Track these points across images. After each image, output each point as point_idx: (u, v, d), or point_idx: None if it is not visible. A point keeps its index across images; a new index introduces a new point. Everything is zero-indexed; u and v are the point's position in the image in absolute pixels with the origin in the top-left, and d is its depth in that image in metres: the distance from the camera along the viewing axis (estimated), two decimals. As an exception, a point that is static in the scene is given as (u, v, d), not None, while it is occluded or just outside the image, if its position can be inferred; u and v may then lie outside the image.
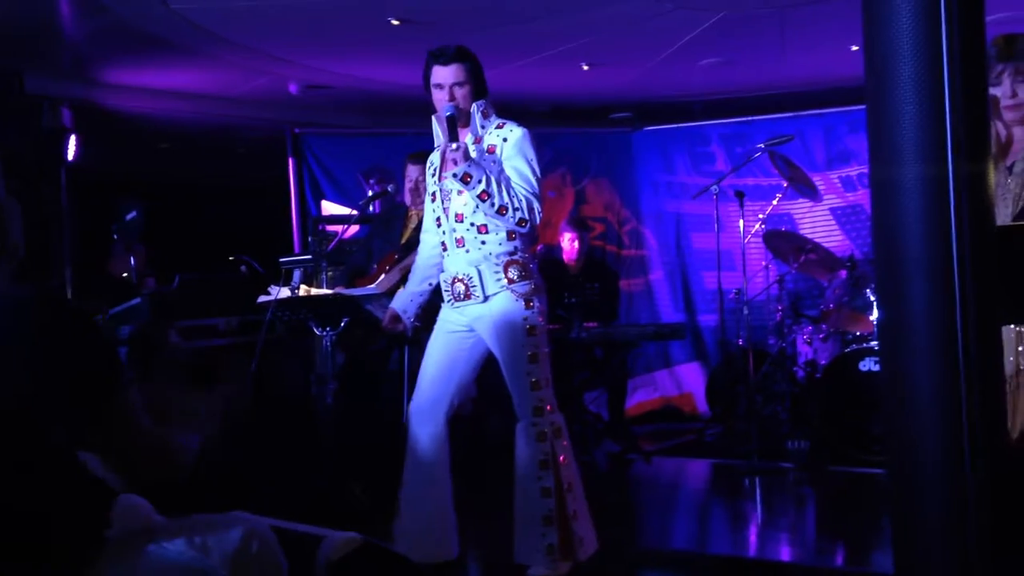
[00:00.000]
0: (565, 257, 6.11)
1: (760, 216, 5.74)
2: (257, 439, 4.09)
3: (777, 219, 6.55)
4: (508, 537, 3.26)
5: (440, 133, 3.29)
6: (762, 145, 5.31)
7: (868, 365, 5.02)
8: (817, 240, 6.01)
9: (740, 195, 5.49)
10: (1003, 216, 2.63)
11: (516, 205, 3.12)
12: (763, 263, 6.03)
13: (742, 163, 5.54)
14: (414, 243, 3.83)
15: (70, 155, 6.19)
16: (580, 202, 7.61)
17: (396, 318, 3.53)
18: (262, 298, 3.96)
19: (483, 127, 3.25)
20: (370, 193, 6.08)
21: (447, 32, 4.89)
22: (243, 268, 5.69)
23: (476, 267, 3.21)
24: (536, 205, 3.16)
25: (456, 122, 3.16)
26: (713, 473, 5.48)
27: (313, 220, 6.96)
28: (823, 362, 5.55)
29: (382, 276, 4.51)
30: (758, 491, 4.83)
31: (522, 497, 3.21)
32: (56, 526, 1.51)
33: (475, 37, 3.72)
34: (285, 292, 3.91)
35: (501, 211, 3.11)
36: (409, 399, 3.44)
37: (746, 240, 5.42)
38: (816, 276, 6.09)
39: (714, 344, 7.16)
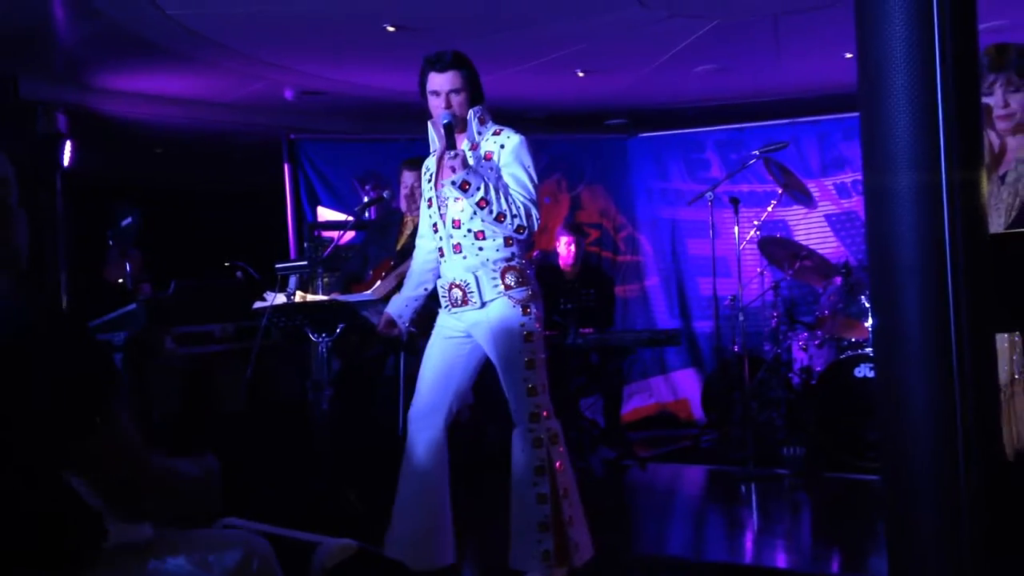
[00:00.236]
0: (561, 263, 6.12)
1: (755, 222, 5.75)
2: (253, 445, 4.08)
3: (772, 226, 6.56)
4: (504, 543, 3.25)
5: (436, 139, 3.30)
6: (757, 152, 5.32)
7: (863, 371, 5.03)
8: (812, 247, 6.02)
9: (735, 201, 5.50)
10: (996, 225, 2.63)
11: (514, 212, 3.13)
12: (758, 269, 6.04)
13: (737, 170, 5.55)
14: (410, 249, 3.83)
15: (65, 160, 6.19)
16: (575, 208, 7.62)
17: (391, 323, 3.53)
18: (258, 304, 3.95)
19: (480, 133, 3.25)
20: (365, 199, 6.08)
21: (442, 38, 4.90)
22: (239, 274, 5.69)
23: (473, 273, 3.21)
24: (534, 212, 3.16)
25: (453, 129, 3.17)
26: (709, 479, 5.48)
27: (309, 226, 6.96)
28: (818, 368, 5.56)
29: (378, 282, 4.51)
30: (754, 497, 4.83)
31: (518, 503, 3.21)
32: (53, 538, 1.51)
33: (470, 44, 3.72)
34: (281, 298, 3.91)
35: (499, 218, 3.12)
36: (405, 405, 3.43)
37: (741, 246, 5.43)
38: (811, 283, 6.10)
39: (709, 350, 7.16)
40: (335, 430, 4.24)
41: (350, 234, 5.99)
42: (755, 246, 5.84)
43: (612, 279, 6.82)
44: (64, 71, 6.12)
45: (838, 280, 5.56)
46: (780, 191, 5.54)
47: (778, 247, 5.86)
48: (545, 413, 3.22)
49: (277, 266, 4.18)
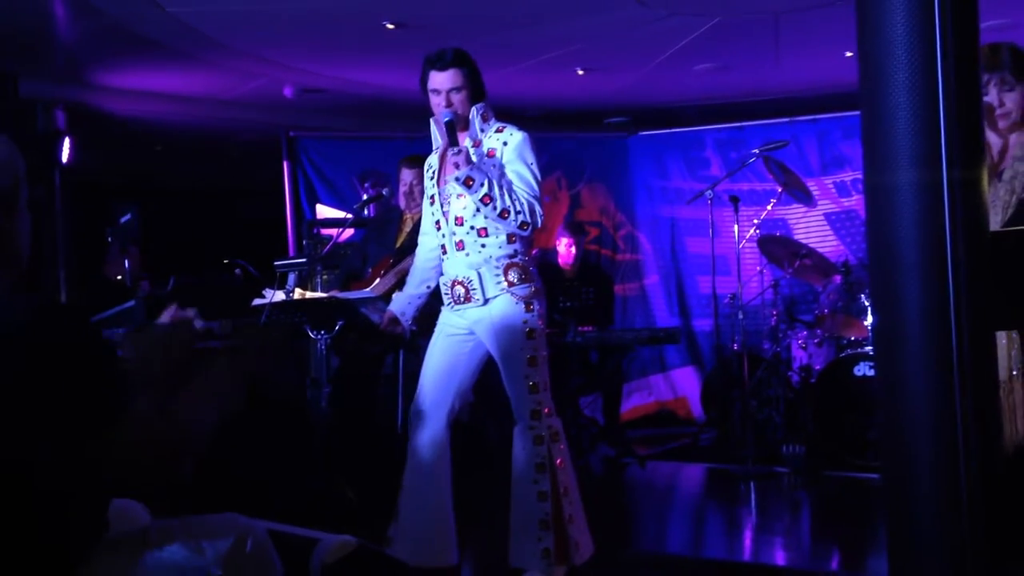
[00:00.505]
0: (560, 261, 6.11)
1: (755, 221, 5.75)
2: (252, 442, 4.08)
3: (772, 224, 6.56)
4: (504, 541, 3.25)
5: (438, 136, 3.29)
6: (757, 150, 5.32)
7: (863, 370, 5.03)
8: (812, 245, 6.02)
9: (735, 200, 5.50)
10: (993, 223, 2.63)
11: (518, 208, 3.13)
12: (758, 268, 6.04)
13: (737, 168, 5.55)
14: (409, 247, 3.83)
15: (64, 158, 6.18)
16: (575, 206, 7.62)
17: (395, 320, 3.53)
18: (257, 301, 3.95)
19: (482, 130, 3.25)
20: (365, 196, 6.08)
21: (442, 36, 4.89)
22: (238, 271, 5.67)
23: (476, 270, 3.21)
24: (537, 208, 3.17)
25: (455, 126, 3.17)
26: (708, 477, 5.48)
27: (308, 223, 6.96)
28: (818, 367, 5.56)
29: (377, 279, 4.51)
30: (753, 495, 4.84)
31: (518, 500, 3.21)
32: (53, 529, 1.51)
33: (470, 41, 3.72)
34: (280, 295, 3.91)
35: (503, 214, 3.12)
36: (404, 403, 3.43)
37: (741, 245, 5.43)
38: (811, 281, 6.10)
39: (709, 349, 7.17)
40: (334, 427, 4.24)
41: (349, 231, 5.98)
42: (755, 244, 5.84)
43: (611, 277, 6.81)
44: (64, 68, 6.11)
45: (838, 279, 5.56)
46: (780, 190, 5.54)
47: (778, 245, 5.86)
48: (546, 410, 3.22)
49: (276, 263, 4.18)
